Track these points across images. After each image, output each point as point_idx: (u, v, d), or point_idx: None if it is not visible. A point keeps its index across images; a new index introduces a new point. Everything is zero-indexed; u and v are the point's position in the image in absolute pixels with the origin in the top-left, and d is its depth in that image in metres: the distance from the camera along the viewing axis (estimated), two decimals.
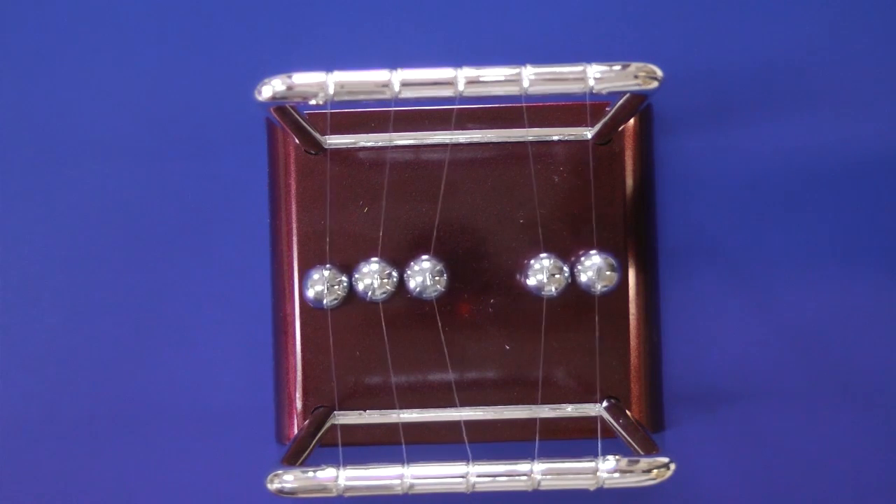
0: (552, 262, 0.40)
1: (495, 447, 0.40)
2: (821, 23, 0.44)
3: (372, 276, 0.40)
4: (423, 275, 0.40)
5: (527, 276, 0.40)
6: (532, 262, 0.40)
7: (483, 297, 0.41)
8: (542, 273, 0.40)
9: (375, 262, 0.40)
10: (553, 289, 0.40)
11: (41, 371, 0.44)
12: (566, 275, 0.40)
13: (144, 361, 0.44)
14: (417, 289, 0.40)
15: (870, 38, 0.44)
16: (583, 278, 0.40)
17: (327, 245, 0.41)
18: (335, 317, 0.41)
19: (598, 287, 0.40)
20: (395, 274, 0.40)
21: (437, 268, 0.40)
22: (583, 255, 0.40)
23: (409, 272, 0.40)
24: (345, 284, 0.40)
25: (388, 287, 0.40)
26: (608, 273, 0.40)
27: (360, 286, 0.40)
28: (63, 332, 0.44)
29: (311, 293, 0.40)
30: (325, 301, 0.40)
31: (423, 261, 0.40)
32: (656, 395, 0.43)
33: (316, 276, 0.40)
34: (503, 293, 0.41)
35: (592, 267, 0.40)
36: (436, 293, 0.40)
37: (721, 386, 0.44)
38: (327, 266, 0.40)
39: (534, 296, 0.41)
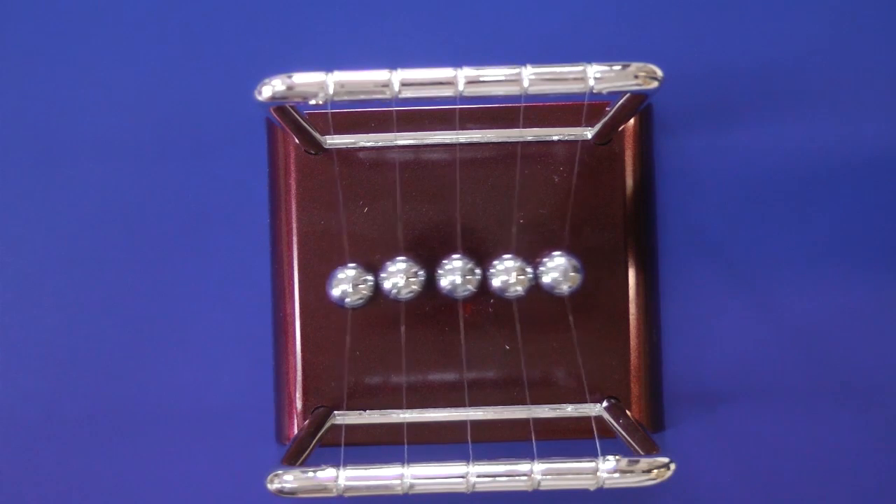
0: (516, 263, 0.40)
1: (495, 447, 0.40)
2: (821, 23, 0.44)
3: (398, 276, 0.40)
4: (455, 274, 0.40)
5: (491, 278, 0.40)
6: (495, 262, 0.40)
7: (483, 297, 0.41)
8: (506, 274, 0.40)
9: (402, 261, 0.40)
10: (520, 289, 0.40)
11: (41, 371, 0.44)
12: (529, 276, 0.40)
13: (144, 361, 0.44)
14: (448, 287, 0.40)
15: (870, 38, 0.44)
16: (546, 279, 0.40)
17: (345, 244, 0.41)
18: (335, 317, 0.41)
19: (564, 288, 0.40)
20: (422, 273, 0.40)
21: (468, 266, 0.40)
22: (546, 256, 0.40)
23: (440, 271, 0.40)
24: (370, 284, 0.40)
25: (414, 286, 0.40)
26: (572, 274, 0.40)
27: (388, 285, 0.40)
28: (63, 332, 0.44)
29: (336, 292, 0.40)
30: (347, 300, 0.40)
31: (454, 259, 0.40)
32: (656, 395, 0.43)
33: (341, 275, 0.40)
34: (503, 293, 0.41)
35: (557, 268, 0.40)
36: (466, 293, 0.40)
37: (721, 386, 0.44)
38: (352, 265, 0.40)
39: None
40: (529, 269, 0.40)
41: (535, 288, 0.41)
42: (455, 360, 0.42)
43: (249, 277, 0.44)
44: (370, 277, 0.40)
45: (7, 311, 0.44)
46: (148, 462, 0.44)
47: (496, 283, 0.40)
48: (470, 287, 0.40)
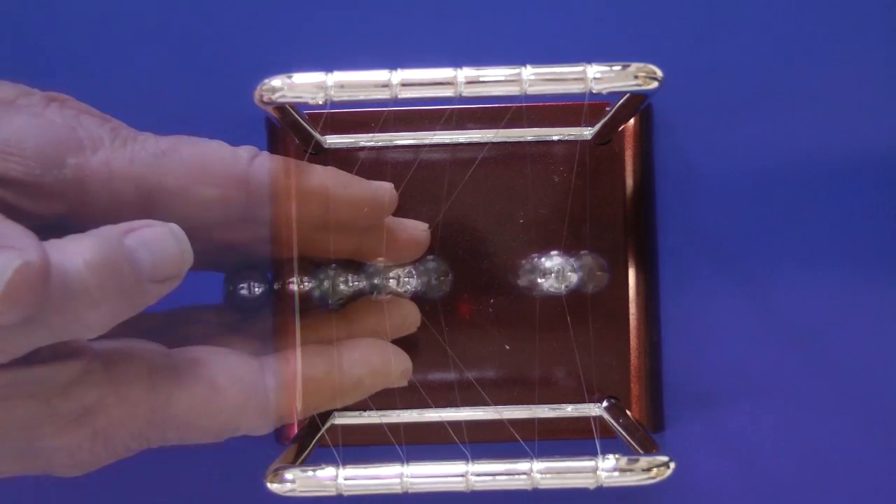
0: (564, 260, 0.40)
1: (495, 447, 0.40)
2: (821, 23, 0.44)
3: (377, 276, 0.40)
4: (428, 275, 0.40)
5: (541, 275, 0.41)
6: (543, 260, 0.41)
7: (483, 297, 0.42)
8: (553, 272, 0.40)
9: (381, 261, 0.40)
10: (563, 287, 0.40)
11: None
12: (576, 273, 0.40)
13: None
14: (422, 288, 0.40)
15: (870, 38, 0.44)
16: (541, 279, 0.40)
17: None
18: None
19: (590, 287, 0.40)
20: (414, 272, 0.40)
21: (442, 268, 0.40)
22: (573, 255, 0.41)
23: (413, 272, 0.40)
24: (351, 284, 0.40)
25: (409, 286, 0.40)
26: (599, 273, 0.40)
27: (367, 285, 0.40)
28: None
29: (316, 293, 0.40)
30: (329, 301, 0.40)
31: (428, 261, 0.41)
32: (656, 395, 0.43)
33: (322, 275, 0.40)
34: (503, 293, 0.41)
35: (584, 268, 0.40)
36: (440, 294, 0.40)
37: (721, 386, 0.44)
38: (333, 266, 0.41)
39: (538, 296, 0.41)
40: (573, 268, 0.40)
41: (534, 287, 0.41)
42: (455, 360, 0.42)
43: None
44: (350, 278, 0.40)
45: None
46: (147, 462, 0.44)
47: (546, 282, 0.40)
48: (444, 288, 0.40)
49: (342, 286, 0.40)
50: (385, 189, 0.38)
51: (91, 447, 0.33)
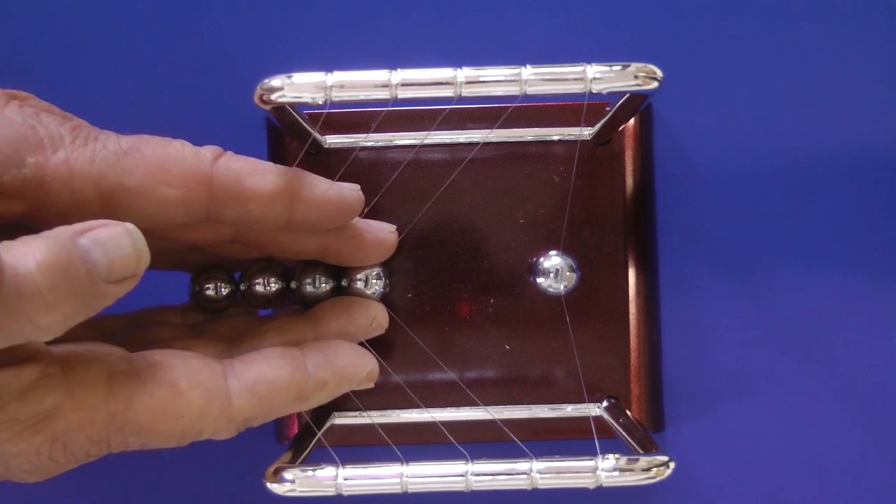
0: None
1: (495, 447, 0.40)
2: (821, 22, 0.44)
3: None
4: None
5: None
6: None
7: (483, 297, 0.42)
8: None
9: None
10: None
11: None
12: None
13: None
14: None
15: (869, 38, 0.44)
16: (541, 279, 0.40)
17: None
18: None
19: (560, 288, 0.40)
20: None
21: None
22: (542, 256, 0.41)
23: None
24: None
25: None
26: (568, 274, 0.40)
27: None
28: None
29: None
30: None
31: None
32: (656, 395, 0.43)
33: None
34: (503, 293, 0.41)
35: (553, 268, 0.40)
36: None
37: (721, 385, 0.44)
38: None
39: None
40: (575, 267, 0.40)
41: (534, 287, 0.41)
42: (454, 360, 0.42)
43: None
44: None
45: None
46: (147, 462, 0.44)
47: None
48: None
49: (308, 287, 0.40)
50: (351, 190, 0.37)
51: (50, 453, 0.32)
